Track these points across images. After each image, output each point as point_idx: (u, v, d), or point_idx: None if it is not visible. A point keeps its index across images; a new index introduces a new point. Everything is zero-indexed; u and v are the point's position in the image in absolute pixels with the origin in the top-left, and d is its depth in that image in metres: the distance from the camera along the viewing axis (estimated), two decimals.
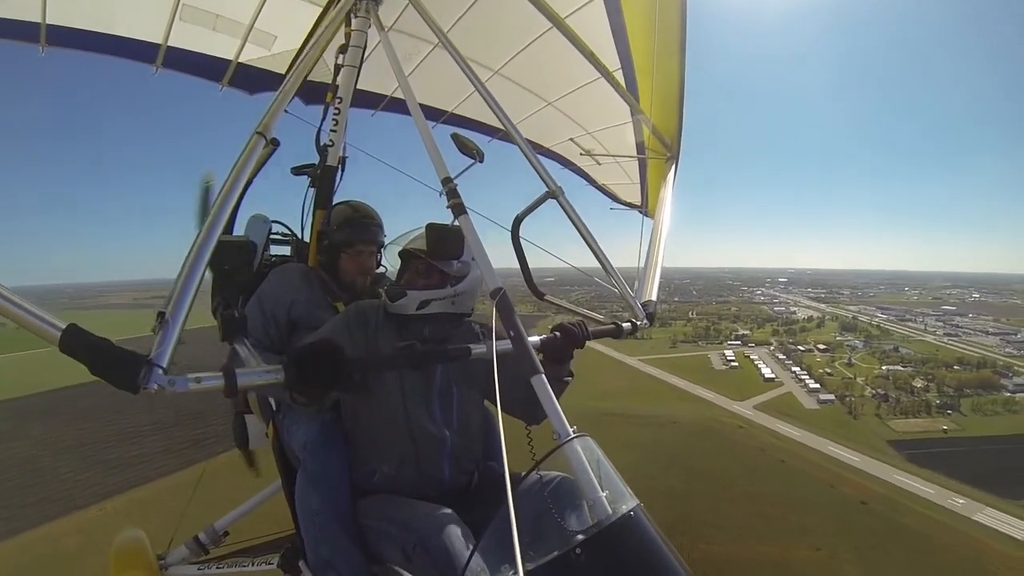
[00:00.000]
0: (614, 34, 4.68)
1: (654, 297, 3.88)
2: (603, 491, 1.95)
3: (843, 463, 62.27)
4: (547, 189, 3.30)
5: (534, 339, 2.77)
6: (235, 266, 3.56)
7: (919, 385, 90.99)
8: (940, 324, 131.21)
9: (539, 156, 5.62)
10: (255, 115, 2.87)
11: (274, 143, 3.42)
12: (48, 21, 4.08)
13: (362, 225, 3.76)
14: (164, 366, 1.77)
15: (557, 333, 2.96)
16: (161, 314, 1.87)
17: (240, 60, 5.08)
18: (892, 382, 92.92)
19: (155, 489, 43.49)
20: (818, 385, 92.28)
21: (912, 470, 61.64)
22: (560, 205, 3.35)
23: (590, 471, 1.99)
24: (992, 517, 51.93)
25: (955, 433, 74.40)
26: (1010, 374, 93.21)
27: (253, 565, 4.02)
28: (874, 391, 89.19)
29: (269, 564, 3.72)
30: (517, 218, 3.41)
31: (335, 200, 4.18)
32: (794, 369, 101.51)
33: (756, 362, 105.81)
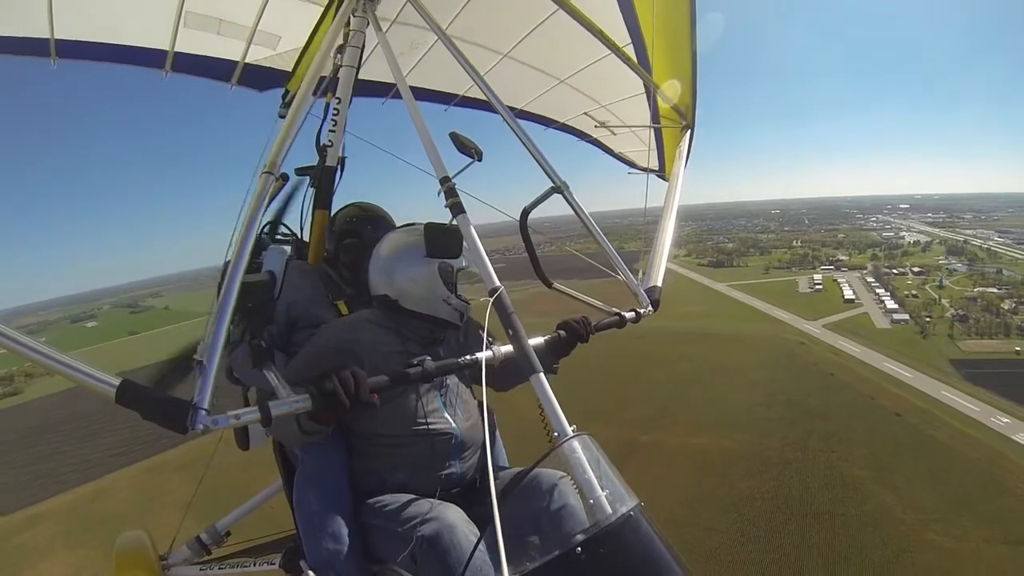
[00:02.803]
0: (621, 9, 4.38)
1: (659, 282, 3.63)
2: (603, 490, 1.85)
3: (893, 378, 60.77)
4: (552, 184, 3.13)
5: (538, 340, 2.62)
6: (258, 303, 2.94)
7: (1007, 307, 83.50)
8: None
9: (553, 134, 6.10)
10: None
11: (283, 178, 3.31)
12: (57, 36, 4.01)
13: (392, 225, 3.60)
14: (207, 408, 1.79)
15: (562, 332, 2.81)
16: (199, 362, 1.88)
17: (247, 61, 4.87)
18: (979, 304, 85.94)
19: None
20: (896, 305, 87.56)
21: (964, 387, 58.94)
22: (565, 199, 3.16)
23: (589, 470, 1.89)
24: None
25: None
26: None
27: (255, 565, 3.84)
28: (955, 312, 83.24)
29: (271, 564, 3.55)
30: (525, 210, 3.20)
31: (335, 200, 3.95)
32: (878, 291, 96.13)
33: (842, 284, 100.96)
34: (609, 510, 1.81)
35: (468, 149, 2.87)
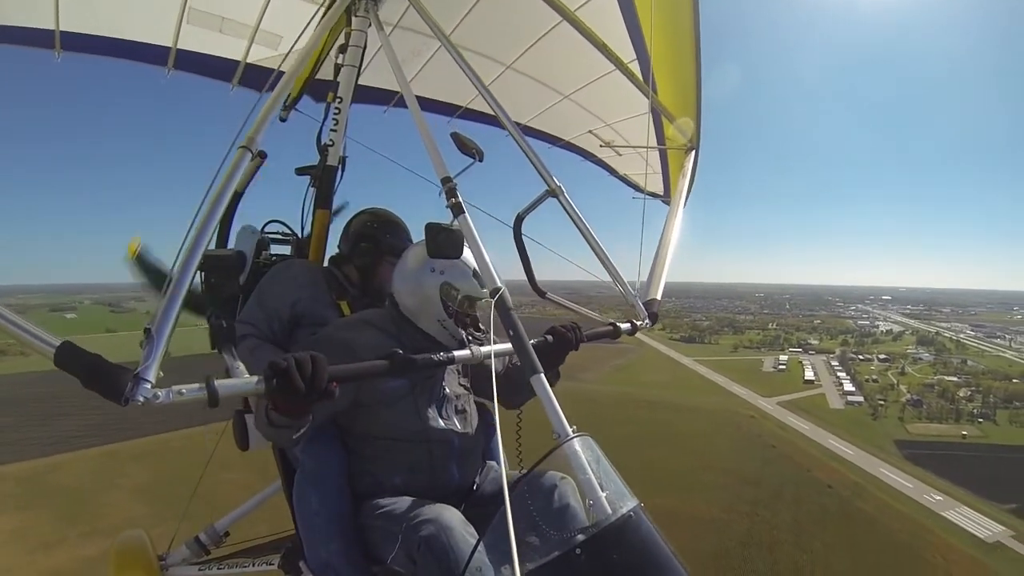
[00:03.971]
0: (627, 24, 4.24)
1: (659, 296, 3.47)
2: (603, 491, 1.80)
3: (834, 454, 61.33)
4: (547, 188, 3.01)
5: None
6: (221, 280, 3.10)
7: (962, 395, 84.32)
8: None
9: (556, 148, 6.10)
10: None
11: (261, 156, 3.25)
12: (62, 28, 3.88)
13: (408, 234, 3.45)
14: (150, 379, 1.62)
15: (549, 337, 2.65)
16: (147, 330, 1.73)
17: (248, 60, 4.71)
18: (936, 390, 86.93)
19: None
20: (853, 388, 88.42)
21: (904, 466, 59.41)
22: (560, 204, 3.02)
23: (590, 471, 1.83)
24: (962, 515, 49.86)
25: (975, 439, 69.40)
26: None
27: (254, 566, 3.74)
28: (910, 397, 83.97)
29: (270, 564, 3.46)
30: (519, 216, 3.08)
31: (335, 199, 3.83)
32: (839, 374, 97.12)
33: (805, 366, 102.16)
34: (609, 510, 1.77)
35: (469, 149, 2.74)
